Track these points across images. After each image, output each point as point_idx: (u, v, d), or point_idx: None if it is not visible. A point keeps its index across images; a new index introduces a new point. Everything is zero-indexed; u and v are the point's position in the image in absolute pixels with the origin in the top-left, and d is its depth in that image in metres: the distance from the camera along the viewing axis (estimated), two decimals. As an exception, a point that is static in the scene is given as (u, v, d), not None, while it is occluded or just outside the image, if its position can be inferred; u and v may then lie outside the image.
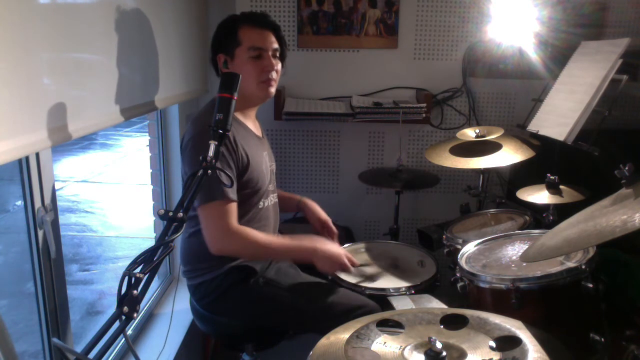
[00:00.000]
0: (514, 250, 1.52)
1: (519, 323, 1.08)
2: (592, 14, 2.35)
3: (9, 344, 0.71)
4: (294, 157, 2.53)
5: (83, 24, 1.25)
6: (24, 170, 1.24)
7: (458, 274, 1.47)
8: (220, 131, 1.13)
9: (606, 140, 1.68)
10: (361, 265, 1.80)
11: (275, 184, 1.84)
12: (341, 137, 2.51)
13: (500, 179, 2.50)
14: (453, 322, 1.12)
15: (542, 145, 1.94)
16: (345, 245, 1.93)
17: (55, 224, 1.33)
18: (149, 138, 2.25)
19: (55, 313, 1.34)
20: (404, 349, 1.02)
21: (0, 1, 0.95)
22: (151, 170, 2.27)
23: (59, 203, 1.37)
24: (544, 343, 0.98)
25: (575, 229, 1.07)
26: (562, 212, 1.58)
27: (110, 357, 1.68)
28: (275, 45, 1.67)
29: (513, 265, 1.43)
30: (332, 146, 2.52)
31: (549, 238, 1.16)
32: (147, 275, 0.89)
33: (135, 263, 0.89)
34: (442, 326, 1.11)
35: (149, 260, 0.90)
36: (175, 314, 1.97)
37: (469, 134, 2.02)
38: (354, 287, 1.66)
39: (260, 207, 1.69)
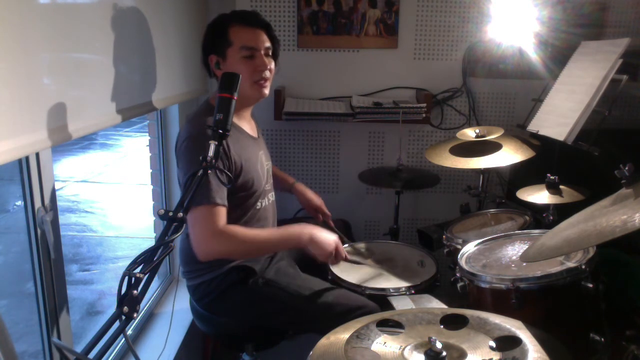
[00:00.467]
0: (514, 250, 1.52)
1: (519, 323, 1.08)
2: (592, 14, 2.35)
3: (9, 344, 0.71)
4: (294, 157, 2.53)
5: (83, 24, 1.25)
6: (24, 170, 1.24)
7: (458, 274, 1.47)
8: (221, 131, 1.13)
9: (606, 140, 1.68)
10: (356, 262, 1.80)
11: (272, 183, 1.83)
12: (341, 137, 2.51)
13: (500, 179, 2.50)
14: (453, 322, 1.12)
15: (542, 145, 1.94)
16: (346, 245, 1.93)
17: (55, 224, 1.33)
18: (149, 138, 2.25)
19: (55, 313, 1.34)
20: (404, 349, 1.02)
21: (1, 1, 0.95)
22: (151, 170, 2.27)
23: (59, 203, 1.37)
24: (544, 343, 0.98)
25: (575, 229, 1.07)
26: (562, 212, 1.58)
27: (110, 357, 1.68)
28: (267, 44, 1.65)
29: (513, 265, 1.43)
30: (332, 146, 2.52)
31: (549, 238, 1.16)
32: (147, 275, 0.89)
33: (135, 263, 0.89)
34: (442, 326, 1.11)
35: (149, 260, 0.90)
36: (175, 314, 1.97)
37: (469, 134, 2.02)
38: (354, 287, 1.66)
39: (257, 207, 1.69)
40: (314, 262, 1.67)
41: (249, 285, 1.63)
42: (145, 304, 2.05)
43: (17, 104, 1.01)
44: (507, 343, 1.01)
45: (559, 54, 2.17)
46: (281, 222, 1.91)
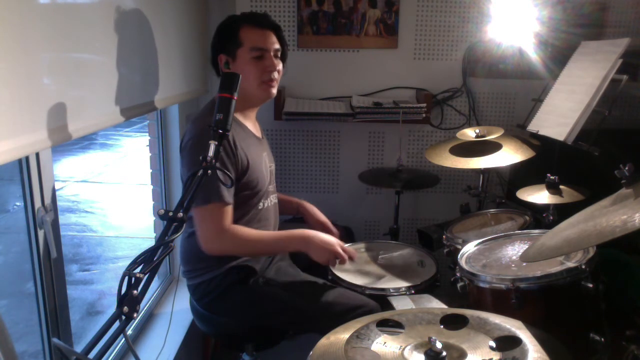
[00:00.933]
0: (514, 250, 1.52)
1: (519, 323, 1.08)
2: (592, 14, 2.35)
3: (9, 344, 0.71)
4: (294, 157, 2.53)
5: (83, 24, 1.25)
6: (24, 170, 1.24)
7: (458, 274, 1.47)
8: (220, 131, 1.13)
9: (606, 140, 1.68)
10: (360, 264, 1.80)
11: (275, 184, 1.84)
12: (341, 137, 2.51)
13: (500, 179, 2.50)
14: (453, 322, 1.12)
15: (542, 145, 1.94)
16: (346, 245, 1.92)
17: (55, 224, 1.33)
18: (149, 138, 2.25)
19: (55, 313, 1.34)
20: (404, 349, 1.02)
21: (1, 1, 0.95)
22: (151, 170, 2.27)
23: (59, 203, 1.37)
24: (544, 343, 0.98)
25: (575, 229, 1.07)
26: (562, 212, 1.58)
27: (110, 357, 1.68)
28: (277, 46, 1.67)
29: (513, 265, 1.43)
30: (332, 146, 2.52)
31: (549, 238, 1.16)
32: (147, 275, 0.89)
33: (135, 263, 0.89)
34: (442, 326, 1.11)
35: (149, 260, 0.90)
36: (175, 314, 1.97)
37: (469, 134, 2.02)
38: (353, 287, 1.66)
39: (260, 207, 1.69)
40: (314, 262, 1.67)
41: (249, 285, 1.64)
42: (145, 304, 2.05)
43: (17, 104, 1.01)
44: (507, 343, 1.01)
45: (559, 54, 2.17)
46: (281, 222, 1.92)
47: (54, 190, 1.33)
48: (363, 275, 1.74)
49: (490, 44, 2.37)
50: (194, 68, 2.13)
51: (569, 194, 1.63)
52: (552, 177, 1.66)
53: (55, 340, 1.33)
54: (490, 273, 1.39)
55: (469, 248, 1.58)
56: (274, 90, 1.69)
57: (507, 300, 1.29)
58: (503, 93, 2.48)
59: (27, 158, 1.23)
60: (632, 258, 1.84)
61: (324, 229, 1.92)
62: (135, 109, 1.55)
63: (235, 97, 1.18)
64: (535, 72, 2.29)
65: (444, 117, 2.50)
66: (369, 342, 1.05)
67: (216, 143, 1.11)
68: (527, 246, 1.46)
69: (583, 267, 1.28)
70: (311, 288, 1.64)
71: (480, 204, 2.18)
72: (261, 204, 1.69)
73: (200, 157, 1.07)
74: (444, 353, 0.95)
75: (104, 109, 1.37)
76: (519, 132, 2.16)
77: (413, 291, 1.63)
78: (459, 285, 1.45)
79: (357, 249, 1.95)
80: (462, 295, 1.45)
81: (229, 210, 1.55)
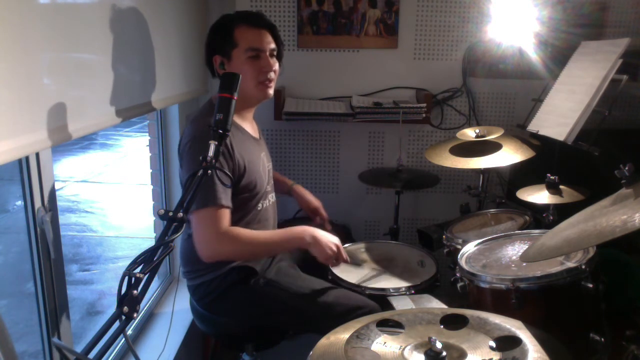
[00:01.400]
0: (514, 250, 1.52)
1: (519, 323, 1.08)
2: (592, 14, 2.35)
3: (9, 344, 0.71)
4: (294, 157, 2.53)
5: (83, 24, 1.25)
6: (24, 170, 1.24)
7: (458, 274, 1.47)
8: (220, 131, 1.13)
9: (606, 140, 1.68)
10: (357, 263, 1.80)
11: (273, 184, 1.83)
12: (341, 137, 2.51)
13: (500, 179, 2.50)
14: (453, 322, 1.12)
15: (542, 145, 1.94)
16: (346, 245, 1.93)
17: (55, 224, 1.33)
18: (149, 138, 2.25)
19: (55, 313, 1.34)
20: (404, 349, 1.02)
21: (1, 1, 0.95)
22: (151, 170, 2.27)
23: (59, 203, 1.37)
24: (544, 343, 0.98)
25: (575, 229, 1.07)
26: (562, 212, 1.58)
27: (110, 357, 1.68)
28: (273, 45, 1.65)
29: (513, 265, 1.43)
30: (332, 146, 2.52)
31: (549, 238, 1.16)
32: (147, 275, 0.89)
33: (135, 263, 0.89)
34: (442, 326, 1.11)
35: (149, 260, 0.90)
36: (175, 314, 1.97)
37: (469, 134, 2.02)
38: (354, 287, 1.66)
39: (259, 208, 1.69)
40: (315, 263, 1.67)
41: (249, 286, 1.63)
42: (145, 304, 2.05)
43: (17, 104, 1.01)
44: (507, 343, 1.01)
45: (559, 54, 2.17)
46: (281, 222, 1.92)
47: (54, 190, 1.33)
48: (363, 276, 1.74)
49: (490, 44, 2.37)
50: (193, 68, 2.13)
51: (569, 194, 1.63)
52: (552, 177, 1.66)
53: (55, 340, 1.33)
54: (490, 273, 1.39)
55: (469, 248, 1.58)
56: (271, 91, 1.67)
57: (507, 300, 1.29)
58: (503, 93, 2.48)
59: (27, 158, 1.23)
60: (632, 258, 1.85)
61: (315, 212, 1.93)
62: (135, 109, 1.55)
63: (235, 97, 1.18)
64: (535, 72, 2.29)
65: (444, 117, 2.50)
66: (369, 342, 1.05)
67: (216, 143, 1.11)
68: (527, 246, 1.46)
69: (583, 267, 1.28)
70: (311, 289, 1.64)
71: (480, 204, 2.18)
72: (260, 204, 1.69)
73: (201, 157, 1.07)
74: (444, 353, 0.95)
75: (104, 109, 1.37)
76: (519, 132, 2.16)
77: (413, 291, 1.63)
78: (459, 285, 1.45)
79: (357, 249, 1.95)
80: (462, 295, 1.45)
81: (226, 213, 1.52)
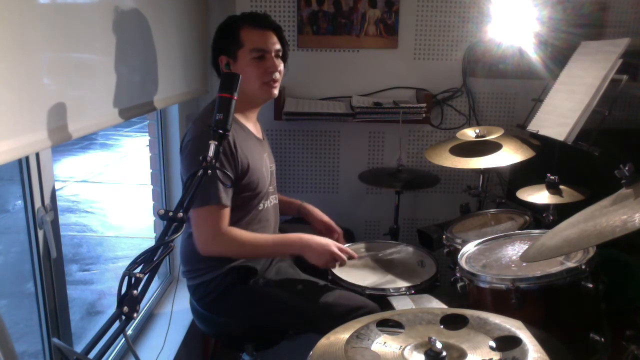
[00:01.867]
0: (514, 250, 1.52)
1: (519, 323, 1.08)
2: (592, 14, 2.35)
3: (9, 344, 0.71)
4: (294, 157, 2.53)
5: (83, 24, 1.25)
6: (24, 170, 1.24)
7: (458, 274, 1.47)
8: (220, 131, 1.13)
9: (606, 140, 1.68)
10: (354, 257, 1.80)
11: (276, 185, 1.84)
12: (341, 137, 2.51)
13: (500, 179, 2.50)
14: (453, 322, 1.12)
15: (542, 145, 1.94)
16: (346, 245, 1.92)
17: (55, 224, 1.33)
18: (149, 138, 2.25)
19: (55, 313, 1.35)
20: (404, 349, 1.02)
21: (1, 1, 0.95)
22: (151, 170, 2.27)
23: (59, 203, 1.37)
24: (544, 343, 0.98)
25: (575, 229, 1.07)
26: (562, 212, 1.58)
27: (110, 357, 1.68)
28: (278, 46, 1.67)
29: (513, 265, 1.43)
30: (332, 146, 2.52)
31: (549, 238, 1.16)
32: (147, 275, 0.89)
33: (135, 263, 0.89)
34: (442, 326, 1.11)
35: (149, 260, 0.90)
36: (175, 314, 1.97)
37: (469, 134, 2.02)
38: (354, 288, 1.66)
39: (260, 208, 1.69)
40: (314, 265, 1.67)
41: (249, 285, 1.64)
42: (145, 304, 2.05)
43: (17, 104, 1.01)
44: (507, 343, 1.01)
45: (559, 54, 2.16)
46: (281, 223, 1.91)
47: (54, 190, 1.33)
48: (363, 276, 1.74)
49: (490, 44, 2.36)
50: (194, 68, 2.13)
51: (569, 194, 1.63)
52: (552, 177, 1.66)
53: (55, 340, 1.33)
54: (490, 273, 1.39)
55: (469, 248, 1.58)
56: (276, 91, 1.69)
57: (507, 300, 1.29)
58: (503, 93, 2.48)
59: (27, 158, 1.23)
60: (632, 258, 1.84)
61: (327, 229, 1.92)
62: (135, 109, 1.55)
63: (235, 97, 1.18)
64: (535, 72, 2.29)
65: (444, 117, 2.50)
66: (369, 342, 1.05)
67: (216, 143, 1.11)
68: (527, 246, 1.46)
69: (583, 267, 1.28)
70: (311, 289, 1.64)
71: (480, 204, 2.18)
72: (261, 205, 1.69)
73: (200, 157, 1.07)
74: (444, 353, 0.95)
75: (104, 109, 1.37)
76: (519, 132, 2.16)
77: (413, 291, 1.63)
78: (459, 285, 1.45)
79: (357, 249, 1.95)
80: (462, 295, 1.45)
81: (227, 212, 1.55)
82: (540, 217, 1.75)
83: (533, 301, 1.30)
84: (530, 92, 2.29)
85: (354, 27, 2.37)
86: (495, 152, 1.92)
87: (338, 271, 1.74)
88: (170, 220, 0.97)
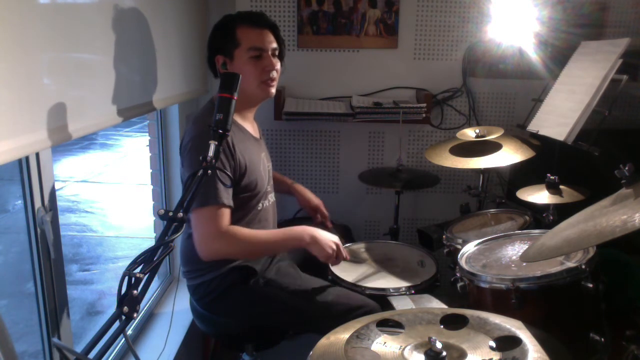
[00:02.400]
0: (514, 250, 1.52)
1: (519, 323, 1.08)
2: (592, 14, 2.35)
3: (9, 344, 0.71)
4: (294, 157, 2.53)
5: (83, 24, 1.25)
6: (24, 170, 1.24)
7: (458, 274, 1.47)
8: (220, 131, 1.13)
9: (606, 140, 1.68)
10: (356, 261, 1.80)
11: (273, 184, 1.83)
12: (341, 137, 2.51)
13: (500, 179, 2.50)
14: (453, 322, 1.12)
15: (542, 145, 1.94)
16: (346, 245, 1.93)
17: (55, 224, 1.33)
18: (149, 138, 2.25)
19: (55, 313, 1.34)
20: (404, 349, 1.02)
21: (1, 1, 0.95)
22: (151, 170, 2.27)
23: (59, 203, 1.37)
24: (544, 343, 0.98)
25: (575, 229, 1.07)
26: (562, 212, 1.58)
27: (110, 357, 1.68)
28: (274, 45, 1.66)
29: (513, 265, 1.43)
30: (332, 146, 2.52)
31: (549, 238, 1.16)
32: (147, 275, 0.89)
33: (135, 263, 0.89)
34: (442, 326, 1.11)
35: (149, 260, 0.90)
36: (175, 314, 1.97)
37: (469, 134, 2.02)
38: (353, 287, 1.66)
39: (259, 208, 1.69)
40: (314, 263, 1.67)
41: (249, 286, 1.64)
42: (145, 304, 2.05)
43: (17, 104, 1.01)
44: (507, 343, 1.01)
45: (559, 54, 2.16)
46: (281, 222, 1.91)
47: (54, 190, 1.33)
48: (363, 276, 1.74)
49: (490, 44, 2.37)
50: (194, 68, 2.13)
51: (569, 194, 1.63)
52: (552, 177, 1.66)
53: (55, 340, 1.33)
54: (490, 273, 1.39)
55: (469, 248, 1.58)
56: (274, 90, 1.68)
57: (507, 300, 1.29)
58: (503, 93, 2.48)
59: (27, 158, 1.23)
60: (632, 258, 1.84)
61: (316, 211, 1.93)
62: (135, 109, 1.55)
63: (235, 97, 1.18)
64: (535, 72, 2.29)
65: (444, 117, 2.50)
66: (369, 342, 1.05)
67: (216, 143, 1.11)
68: (527, 246, 1.46)
69: (583, 267, 1.28)
70: (311, 288, 1.64)
71: (480, 204, 2.18)
72: (260, 204, 1.69)
73: (200, 157, 1.07)
74: (444, 353, 0.95)
75: (104, 109, 1.37)
76: (519, 132, 2.16)
77: (413, 291, 1.63)
78: (459, 285, 1.45)
79: (357, 248, 1.95)
80: (462, 295, 1.45)
81: (227, 212, 1.53)
82: (540, 217, 1.75)
83: (533, 301, 1.30)
84: (530, 92, 2.29)
85: (354, 27, 2.37)
86: (495, 152, 1.92)
87: (338, 271, 1.74)
88: (170, 220, 0.97)
